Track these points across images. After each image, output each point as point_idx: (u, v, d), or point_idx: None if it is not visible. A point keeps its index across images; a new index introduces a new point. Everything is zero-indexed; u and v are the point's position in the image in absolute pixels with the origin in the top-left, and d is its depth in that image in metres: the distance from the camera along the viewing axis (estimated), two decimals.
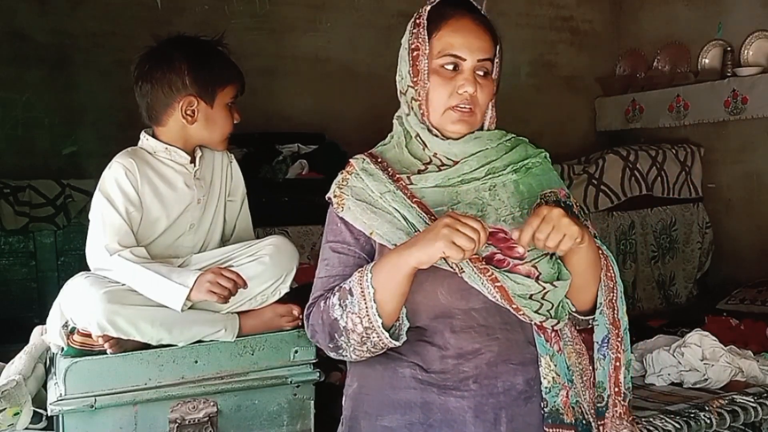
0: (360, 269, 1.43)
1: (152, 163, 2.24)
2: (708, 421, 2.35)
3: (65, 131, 4.30)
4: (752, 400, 2.48)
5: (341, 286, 1.45)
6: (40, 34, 4.31)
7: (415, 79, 1.52)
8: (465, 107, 1.50)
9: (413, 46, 1.53)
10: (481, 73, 1.52)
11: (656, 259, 4.98)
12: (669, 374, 2.75)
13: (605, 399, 1.55)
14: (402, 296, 1.40)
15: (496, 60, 1.56)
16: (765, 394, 2.55)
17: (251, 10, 4.60)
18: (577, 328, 1.58)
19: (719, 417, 2.37)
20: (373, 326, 1.39)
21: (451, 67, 1.51)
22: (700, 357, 2.73)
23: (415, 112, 1.54)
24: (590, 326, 1.57)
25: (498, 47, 1.56)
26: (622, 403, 1.55)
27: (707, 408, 2.40)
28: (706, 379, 2.68)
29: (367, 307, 1.39)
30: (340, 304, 1.43)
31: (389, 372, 1.50)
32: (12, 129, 4.23)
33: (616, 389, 1.55)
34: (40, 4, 4.31)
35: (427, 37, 1.52)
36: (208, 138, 2.24)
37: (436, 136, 1.53)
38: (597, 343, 1.55)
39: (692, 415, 2.36)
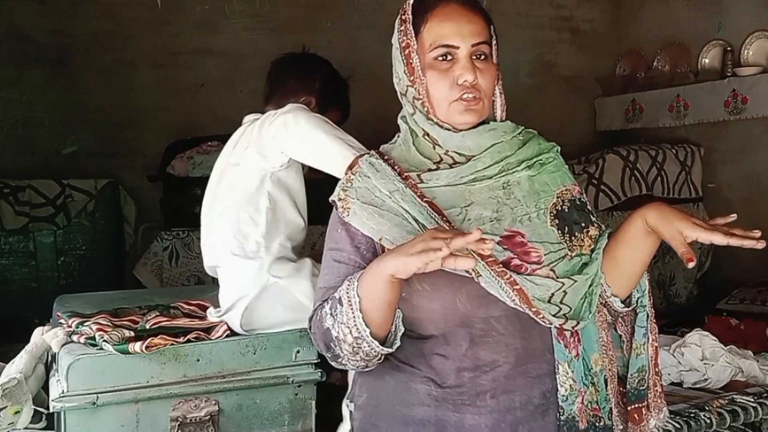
0: (349, 278, 1.36)
1: None
2: (708, 421, 2.34)
3: (65, 131, 4.31)
4: (752, 400, 2.47)
5: (333, 296, 1.38)
6: (40, 34, 4.31)
7: (412, 78, 1.46)
8: (469, 96, 1.43)
9: (404, 44, 1.47)
10: (480, 57, 1.45)
11: (656, 258, 4.98)
12: (669, 374, 2.74)
13: (647, 381, 1.54)
14: (387, 304, 1.32)
15: (493, 42, 1.49)
16: (765, 394, 2.54)
17: (251, 10, 4.61)
18: (608, 320, 1.54)
19: (719, 417, 2.36)
20: (362, 336, 1.33)
21: (445, 58, 1.44)
22: (700, 357, 2.72)
23: (420, 111, 1.47)
24: (625, 315, 1.55)
25: (492, 28, 1.49)
26: (660, 382, 1.55)
27: (707, 408, 2.40)
28: (706, 379, 2.68)
29: (354, 317, 1.32)
30: (331, 314, 1.37)
31: (401, 387, 1.44)
32: (12, 129, 4.24)
33: (656, 369, 1.54)
34: (40, 4, 4.31)
35: (414, 33, 1.46)
36: None
37: (448, 130, 1.45)
38: (642, 327, 1.52)
39: (692, 415, 2.35)
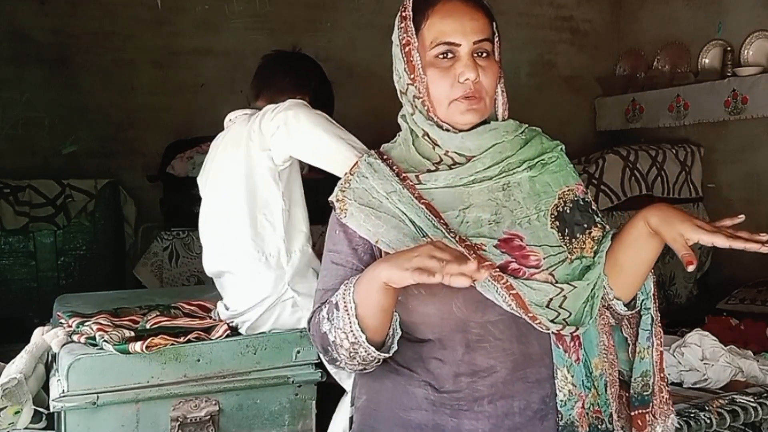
0: (346, 282, 1.35)
1: None
2: (708, 421, 2.34)
3: (65, 131, 4.31)
4: (752, 400, 2.47)
5: (330, 300, 1.36)
6: (40, 34, 4.32)
7: (412, 76, 1.43)
8: (471, 95, 1.39)
9: (404, 42, 1.43)
10: (481, 55, 1.41)
11: (656, 258, 4.97)
12: (669, 374, 2.74)
13: (651, 386, 1.51)
14: (383, 311, 1.30)
15: (496, 39, 1.45)
16: (765, 394, 2.54)
17: (251, 10, 4.60)
18: (611, 323, 1.52)
19: (719, 417, 2.36)
20: (358, 341, 1.31)
21: (446, 55, 1.40)
22: (700, 357, 2.72)
23: (420, 110, 1.44)
24: (629, 317, 1.53)
25: (495, 25, 1.46)
26: (666, 388, 1.53)
27: (707, 408, 2.39)
28: (706, 379, 2.68)
29: (350, 323, 1.30)
30: (328, 318, 1.35)
31: (400, 390, 1.42)
32: (12, 129, 4.24)
33: (661, 375, 1.51)
34: (40, 4, 4.31)
35: (415, 30, 1.43)
36: None
37: (448, 130, 1.42)
38: (646, 330, 1.50)
39: (692, 415, 2.35)
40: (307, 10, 4.89)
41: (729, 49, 4.86)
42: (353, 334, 1.31)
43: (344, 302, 1.32)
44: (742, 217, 1.38)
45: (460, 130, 1.43)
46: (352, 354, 1.33)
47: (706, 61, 5.05)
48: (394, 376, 1.43)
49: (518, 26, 5.38)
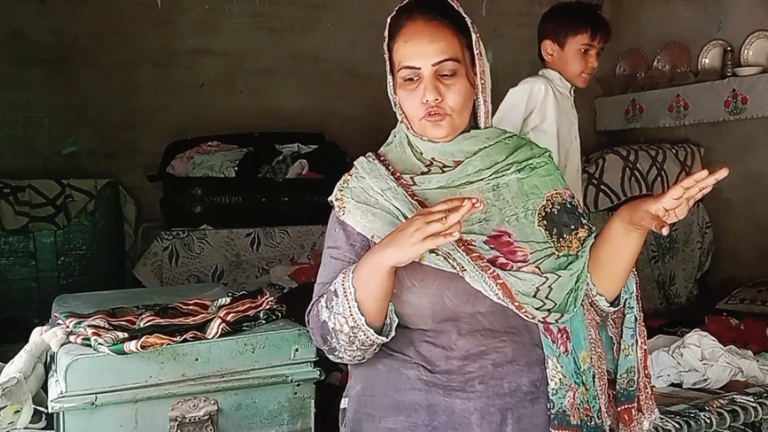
0: (344, 270, 1.42)
1: (556, 87, 2.88)
2: (708, 421, 2.34)
3: (65, 131, 4.32)
4: (752, 400, 2.47)
5: (328, 289, 1.44)
6: (40, 34, 4.32)
7: (393, 95, 1.53)
8: (434, 112, 1.47)
9: (386, 63, 1.53)
10: (446, 74, 1.47)
11: (656, 258, 4.98)
12: (669, 375, 2.74)
13: (636, 382, 1.58)
14: (384, 294, 1.38)
15: (472, 53, 1.50)
16: (765, 394, 2.54)
17: (251, 10, 4.61)
18: (596, 320, 1.57)
19: (719, 417, 2.36)
20: (358, 325, 1.38)
21: (411, 78, 1.48)
22: (699, 357, 2.73)
23: (404, 123, 1.54)
24: (614, 316, 1.59)
25: (473, 38, 1.50)
26: (650, 384, 1.59)
27: (707, 408, 2.39)
28: (706, 380, 2.68)
29: (350, 306, 1.38)
30: (327, 306, 1.42)
31: (393, 374, 1.48)
32: (12, 129, 4.25)
33: (645, 372, 1.58)
34: (40, 4, 4.32)
35: (388, 52, 1.51)
36: (566, 74, 2.86)
37: (428, 141, 1.51)
38: (630, 329, 1.57)
39: (692, 415, 2.35)
40: (307, 10, 4.89)
41: (729, 49, 4.86)
42: (353, 318, 1.38)
43: (343, 288, 1.39)
44: (724, 172, 1.36)
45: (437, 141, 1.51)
46: (351, 338, 1.41)
47: (706, 61, 5.05)
48: (387, 361, 1.49)
49: (518, 26, 5.37)
